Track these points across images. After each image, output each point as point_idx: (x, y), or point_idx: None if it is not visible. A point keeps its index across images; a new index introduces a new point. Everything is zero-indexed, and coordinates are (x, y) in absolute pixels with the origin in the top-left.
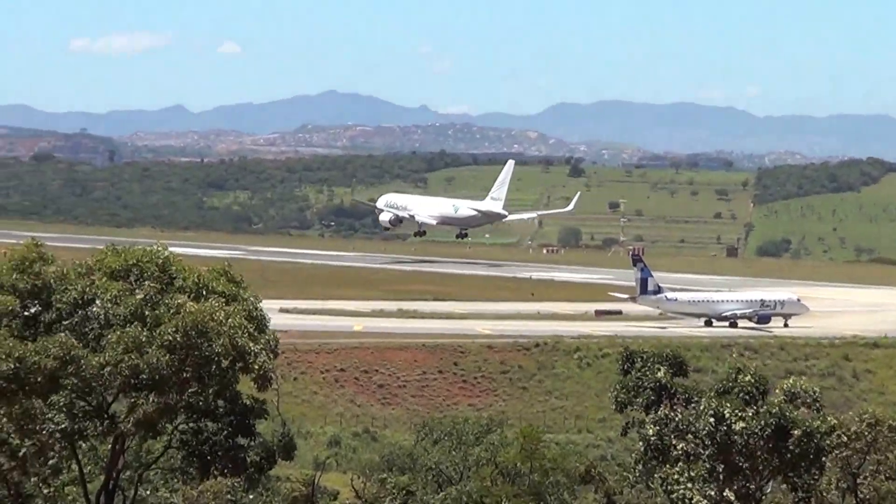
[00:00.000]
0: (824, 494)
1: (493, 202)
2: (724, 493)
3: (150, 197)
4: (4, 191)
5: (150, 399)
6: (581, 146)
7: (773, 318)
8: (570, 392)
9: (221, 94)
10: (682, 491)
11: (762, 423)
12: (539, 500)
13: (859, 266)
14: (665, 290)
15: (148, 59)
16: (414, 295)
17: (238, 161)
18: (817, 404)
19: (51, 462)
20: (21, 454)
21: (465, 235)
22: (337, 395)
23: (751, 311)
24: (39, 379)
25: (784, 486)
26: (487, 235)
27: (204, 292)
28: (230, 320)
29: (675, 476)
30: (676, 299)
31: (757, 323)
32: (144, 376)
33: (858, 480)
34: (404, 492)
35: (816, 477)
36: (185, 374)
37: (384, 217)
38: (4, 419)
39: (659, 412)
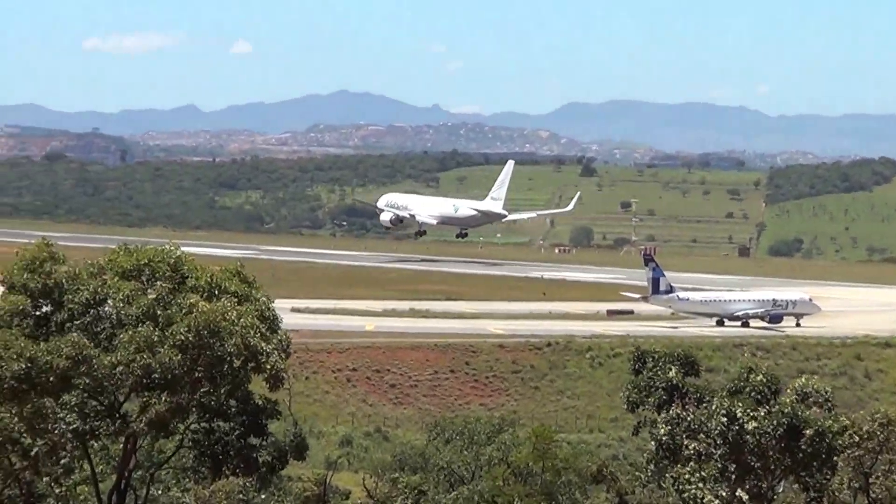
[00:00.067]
0: (836, 494)
1: (493, 202)
2: (737, 493)
3: (161, 196)
4: (16, 190)
5: (162, 399)
6: (593, 146)
7: (784, 317)
8: (581, 392)
9: (233, 93)
10: (693, 490)
11: (774, 422)
12: (551, 500)
13: (871, 266)
14: (677, 289)
15: (160, 59)
16: (426, 294)
17: (250, 161)
18: (829, 404)
19: (63, 461)
20: (33, 453)
21: (466, 235)
22: (349, 394)
23: (763, 310)
24: (51, 379)
25: (796, 485)
26: (499, 235)
27: (216, 292)
28: (242, 320)
29: (687, 476)
30: (688, 299)
31: (769, 322)
32: (156, 376)
33: (870, 480)
34: (416, 491)
35: (828, 476)
36: (197, 374)
37: (385, 217)
38: (16, 418)
39: (671, 412)
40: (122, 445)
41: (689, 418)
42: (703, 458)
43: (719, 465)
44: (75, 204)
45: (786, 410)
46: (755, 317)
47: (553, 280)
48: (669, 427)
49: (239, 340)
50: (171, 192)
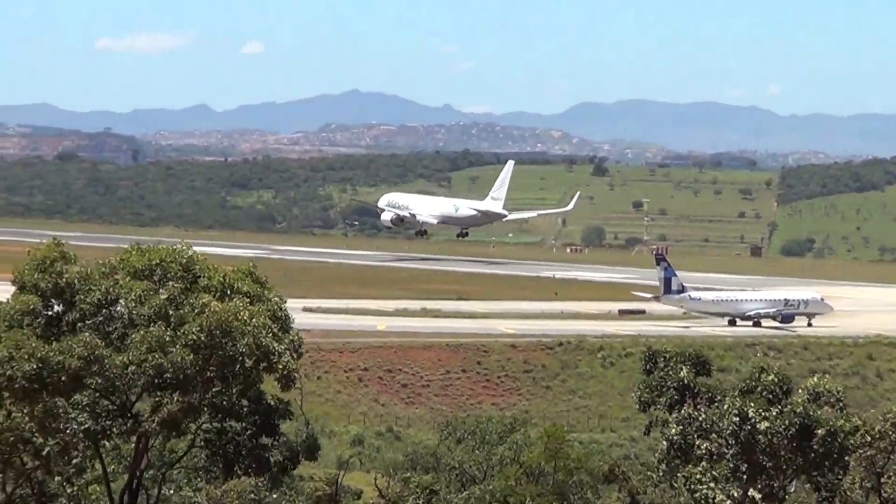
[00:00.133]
0: (848, 494)
1: (493, 202)
2: (749, 493)
3: (173, 196)
4: (28, 190)
5: (174, 398)
6: (605, 145)
7: (796, 317)
8: (593, 391)
9: (245, 93)
10: (705, 490)
11: (786, 422)
12: (563, 500)
13: (883, 265)
14: (688, 289)
15: (171, 59)
16: (437, 294)
17: (262, 160)
18: (841, 404)
19: (74, 461)
20: (45, 453)
21: (466, 235)
22: (360, 394)
23: (774, 310)
24: (63, 378)
25: (808, 485)
26: (510, 235)
27: (229, 292)
28: (254, 320)
29: (699, 475)
30: (700, 298)
31: (781, 322)
32: (168, 376)
33: (882, 480)
34: (428, 491)
35: (840, 476)
36: (208, 374)
37: (385, 217)
38: (27, 418)
39: (682, 411)
40: (133, 445)
41: (700, 418)
42: (714, 457)
43: (731, 465)
44: (87, 203)
45: (798, 410)
46: (767, 316)
47: (565, 280)
48: (681, 427)
49: (251, 340)
50: (183, 192)
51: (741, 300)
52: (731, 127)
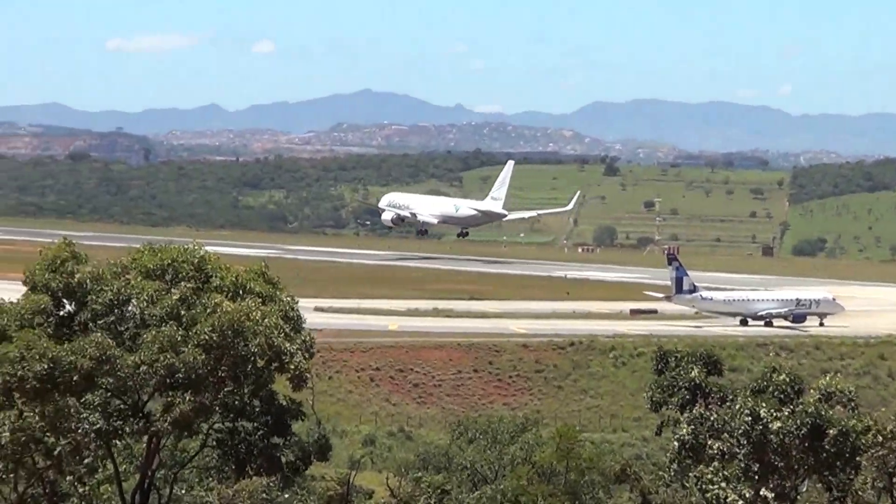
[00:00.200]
0: (860, 494)
1: (494, 202)
2: (761, 492)
3: (185, 196)
4: (40, 190)
5: (186, 398)
6: (616, 145)
7: (808, 317)
8: (605, 391)
9: (256, 92)
10: (716, 490)
11: (798, 422)
12: (574, 500)
13: (895, 265)
14: (700, 289)
15: (183, 58)
16: (449, 294)
17: (273, 160)
18: (853, 403)
19: (86, 461)
20: (56, 453)
21: (467, 234)
22: (372, 393)
23: (786, 310)
24: (75, 378)
25: (819, 485)
26: (522, 235)
27: (241, 292)
28: (266, 320)
29: (710, 475)
30: (712, 298)
31: (792, 322)
32: (180, 375)
33: (894, 480)
34: (439, 491)
35: (852, 476)
36: (220, 374)
37: (386, 216)
38: (37, 418)
39: (694, 411)
40: (145, 445)
41: (712, 418)
42: (726, 457)
43: (742, 465)
44: (99, 203)
45: (809, 410)
46: (779, 316)
47: (576, 279)
48: (692, 427)
49: (263, 340)
50: (195, 192)
51: (753, 300)
52: (743, 127)
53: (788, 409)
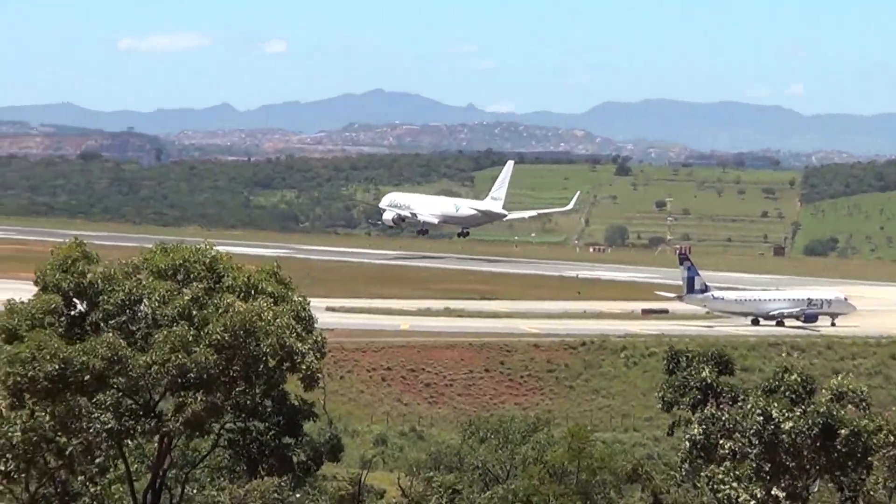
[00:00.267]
0: (871, 494)
1: (493, 202)
2: (773, 492)
3: (196, 196)
4: (51, 189)
5: (198, 398)
6: (628, 145)
7: (820, 316)
8: (616, 391)
9: (268, 92)
10: (728, 490)
11: (809, 422)
12: (586, 499)
13: None
14: (712, 288)
15: (194, 58)
16: (460, 293)
17: (285, 160)
18: (864, 403)
19: (98, 460)
20: (68, 453)
21: (467, 234)
22: (383, 393)
23: (798, 309)
24: (86, 378)
25: (831, 485)
26: (533, 235)
27: (253, 292)
28: (278, 320)
29: (721, 475)
30: (723, 298)
31: (804, 322)
32: (192, 375)
33: None
34: (451, 490)
35: (863, 476)
36: (232, 374)
37: (387, 216)
38: (47, 417)
39: (705, 411)
40: (156, 444)
41: (723, 418)
42: (737, 457)
43: (754, 465)
44: (110, 203)
45: (821, 410)
46: (790, 316)
47: (588, 279)
48: (704, 426)
49: (274, 340)
50: (206, 192)
51: (764, 300)
52: (755, 126)
53: (800, 409)
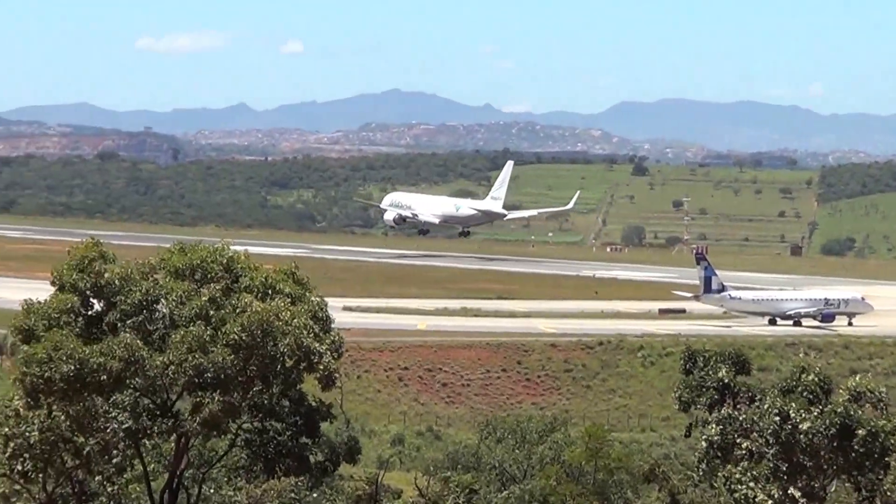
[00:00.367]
0: (889, 494)
1: (493, 202)
2: (790, 492)
3: (213, 195)
4: (69, 189)
5: (215, 398)
6: (645, 144)
7: (837, 316)
8: (633, 391)
9: (285, 92)
10: (745, 490)
11: (826, 422)
12: (603, 499)
13: None
14: (729, 288)
15: (212, 58)
16: (477, 293)
17: (302, 159)
18: (882, 404)
19: (115, 460)
20: (85, 452)
21: (468, 234)
22: (400, 393)
23: (815, 309)
24: (104, 378)
25: (848, 485)
26: (551, 234)
27: (270, 292)
28: (295, 320)
29: (739, 475)
30: (740, 298)
31: (821, 321)
32: (209, 375)
33: None
34: (468, 490)
35: (881, 477)
36: (249, 374)
37: (388, 216)
38: (64, 417)
39: (722, 411)
40: (174, 444)
41: (740, 418)
42: (754, 457)
43: (771, 465)
44: (127, 203)
45: (838, 410)
46: (807, 316)
47: (605, 279)
48: (721, 426)
49: (292, 340)
50: (223, 191)
51: (781, 299)
52: (772, 126)
53: (817, 409)
